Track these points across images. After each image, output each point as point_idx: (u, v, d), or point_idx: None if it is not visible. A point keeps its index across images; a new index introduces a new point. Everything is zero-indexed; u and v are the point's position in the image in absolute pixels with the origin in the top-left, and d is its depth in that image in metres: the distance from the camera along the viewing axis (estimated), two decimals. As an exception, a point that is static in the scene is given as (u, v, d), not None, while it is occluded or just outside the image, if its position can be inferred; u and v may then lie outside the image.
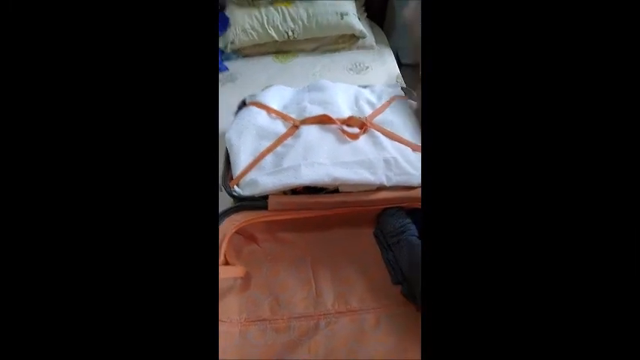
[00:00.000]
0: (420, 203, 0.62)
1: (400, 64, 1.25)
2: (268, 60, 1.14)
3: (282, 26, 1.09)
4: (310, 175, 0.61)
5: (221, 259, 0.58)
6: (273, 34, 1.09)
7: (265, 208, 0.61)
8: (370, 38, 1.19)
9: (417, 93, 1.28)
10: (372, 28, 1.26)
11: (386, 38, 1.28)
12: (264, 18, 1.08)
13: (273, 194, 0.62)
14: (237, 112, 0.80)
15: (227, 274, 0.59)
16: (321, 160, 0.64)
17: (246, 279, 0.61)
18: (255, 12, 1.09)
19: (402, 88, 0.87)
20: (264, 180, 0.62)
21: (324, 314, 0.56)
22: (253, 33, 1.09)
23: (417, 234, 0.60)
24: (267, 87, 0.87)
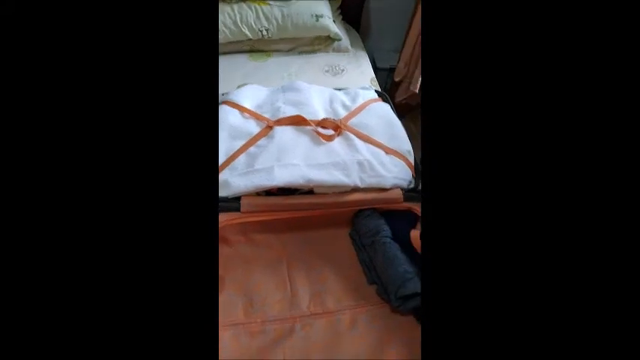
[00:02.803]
0: (393, 205, 0.64)
1: (376, 68, 1.27)
2: (243, 58, 1.12)
3: (255, 24, 1.07)
4: (284, 176, 0.60)
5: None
6: (247, 32, 1.07)
7: (238, 209, 0.60)
8: (346, 41, 1.20)
9: (395, 95, 1.31)
10: (347, 31, 1.28)
11: (361, 42, 1.30)
12: (237, 15, 1.06)
13: (245, 195, 0.60)
14: (209, 111, 0.77)
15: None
16: (295, 161, 0.63)
17: (220, 282, 0.59)
18: (228, 9, 1.06)
19: (377, 92, 0.88)
20: (237, 181, 0.60)
21: (299, 316, 0.55)
22: (226, 30, 1.06)
23: (390, 235, 0.61)
24: (240, 86, 0.85)
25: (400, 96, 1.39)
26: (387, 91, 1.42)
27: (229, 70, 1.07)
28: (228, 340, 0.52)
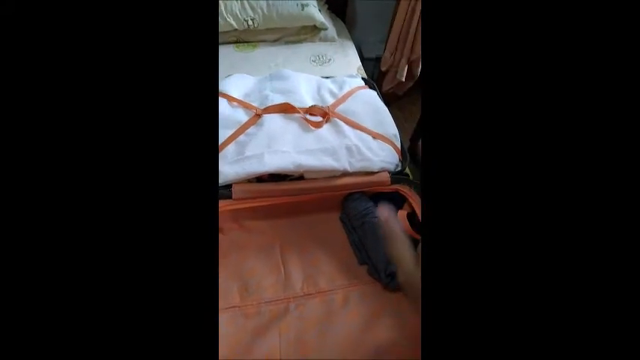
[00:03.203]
0: (381, 187, 0.66)
1: (363, 58, 1.28)
2: (229, 49, 1.12)
3: (241, 14, 1.07)
4: (274, 162, 0.62)
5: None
6: (232, 22, 1.07)
7: (229, 197, 0.60)
8: (332, 30, 1.21)
9: (382, 85, 1.32)
10: (333, 21, 1.28)
11: (348, 31, 1.31)
12: (222, 5, 1.05)
13: (237, 183, 0.61)
14: (196, 102, 0.77)
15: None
16: (285, 148, 0.64)
17: (213, 270, 0.60)
18: (213, -1, 1.05)
19: (363, 79, 0.90)
20: (227, 169, 0.61)
21: (293, 297, 0.57)
22: (211, 21, 1.06)
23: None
24: (227, 76, 0.85)
25: (387, 85, 1.41)
26: (375, 80, 1.43)
27: (216, 61, 1.07)
28: (224, 322, 0.53)
